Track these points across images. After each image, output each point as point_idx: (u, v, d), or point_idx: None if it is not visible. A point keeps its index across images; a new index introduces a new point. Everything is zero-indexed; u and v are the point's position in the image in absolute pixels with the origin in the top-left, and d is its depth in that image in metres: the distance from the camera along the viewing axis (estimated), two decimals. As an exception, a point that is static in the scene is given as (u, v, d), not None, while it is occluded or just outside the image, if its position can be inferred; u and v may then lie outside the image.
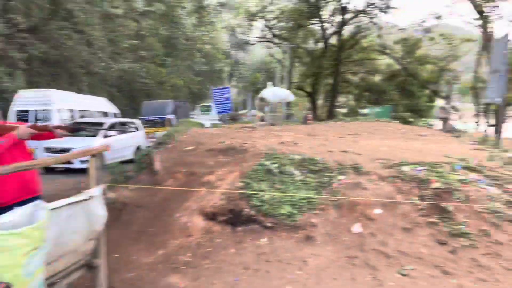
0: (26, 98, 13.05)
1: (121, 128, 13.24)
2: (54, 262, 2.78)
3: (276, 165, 5.52)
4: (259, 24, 32.15)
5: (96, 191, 3.11)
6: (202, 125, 14.83)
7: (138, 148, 13.49)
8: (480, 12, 19.39)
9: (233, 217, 4.83)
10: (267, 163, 5.53)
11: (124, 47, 27.00)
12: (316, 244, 4.57)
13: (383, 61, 30.06)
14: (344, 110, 34.39)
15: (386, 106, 24.88)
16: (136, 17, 26.69)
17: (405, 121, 22.55)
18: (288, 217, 4.83)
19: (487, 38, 16.04)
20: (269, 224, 4.83)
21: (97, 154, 3.17)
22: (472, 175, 5.64)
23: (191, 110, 31.21)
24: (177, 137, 7.59)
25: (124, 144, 12.13)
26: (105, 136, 11.66)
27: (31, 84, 19.13)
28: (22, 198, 3.28)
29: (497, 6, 19.77)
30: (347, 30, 28.61)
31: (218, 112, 21.57)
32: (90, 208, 3.03)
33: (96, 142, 10.86)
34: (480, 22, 19.64)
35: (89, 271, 3.18)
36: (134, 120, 14.88)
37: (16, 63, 16.99)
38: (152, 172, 5.96)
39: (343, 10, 26.59)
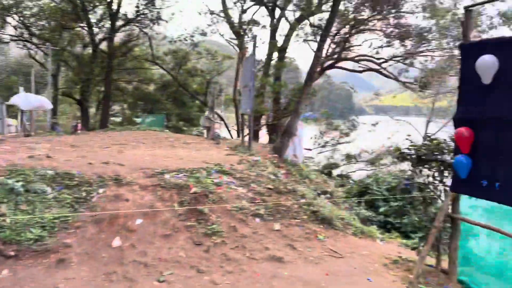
0: None
1: None
2: None
3: (21, 183, 4.79)
4: (13, 20, 27.74)
5: None
6: None
7: None
8: (236, 33, 22.19)
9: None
10: (9, 181, 4.74)
11: None
12: (70, 266, 4.17)
13: (157, 71, 30.65)
14: (119, 119, 33.30)
15: (160, 115, 25.40)
16: None
17: (179, 130, 23.60)
18: (36, 241, 4.26)
19: (242, 56, 18.47)
20: (11, 253, 4.14)
21: None
22: (225, 178, 6.31)
23: None
24: None
25: None
26: None
27: None
28: None
29: (251, 29, 23.08)
30: (118, 37, 27.86)
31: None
32: None
33: None
34: (237, 41, 22.48)
35: None
36: None
37: None
38: None
39: (113, 16, 25.80)
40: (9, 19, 28.08)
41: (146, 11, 26.59)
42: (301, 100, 10.84)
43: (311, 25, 18.92)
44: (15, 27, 28.94)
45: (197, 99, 28.65)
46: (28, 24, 27.16)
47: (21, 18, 26.74)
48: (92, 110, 31.66)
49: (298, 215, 5.83)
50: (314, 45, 18.11)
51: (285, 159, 9.75)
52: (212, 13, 23.17)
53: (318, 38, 15.66)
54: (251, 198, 5.91)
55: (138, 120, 25.57)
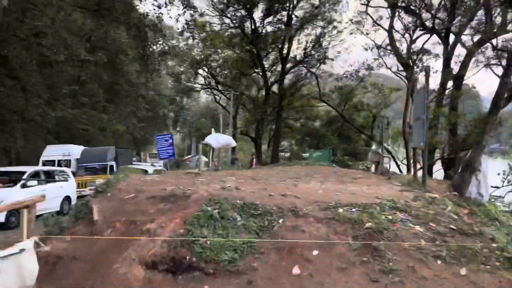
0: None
1: (46, 177, 12.67)
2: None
3: (217, 210, 5.61)
4: (203, 71, 32.94)
5: (28, 244, 3.03)
6: (145, 172, 14.59)
7: (67, 199, 12.98)
8: (405, 65, 21.42)
9: (174, 265, 4.80)
10: (209, 209, 5.61)
11: (63, 93, 26.29)
12: (257, 288, 4.65)
13: (322, 108, 31.74)
14: (287, 154, 35.41)
15: (326, 150, 26.01)
16: (77, 64, 26.30)
17: (345, 164, 23.63)
18: (229, 262, 4.89)
19: (412, 88, 17.67)
20: (210, 271, 4.85)
21: (30, 205, 3.12)
22: (400, 215, 6.09)
23: (133, 156, 30.42)
24: (116, 185, 7.46)
25: (49, 195, 11.31)
26: (24, 186, 11.09)
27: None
28: None
29: (421, 59, 22.01)
30: (287, 79, 30.12)
31: (161, 158, 21.37)
32: (21, 262, 2.94)
33: (14, 193, 10.26)
34: (405, 73, 21.66)
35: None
36: (64, 169, 14.31)
37: None
38: (91, 222, 5.79)
39: (283, 60, 28.12)
40: (200, 71, 33.30)
41: (313, 52, 28.07)
42: (485, 131, 9.72)
43: (494, 48, 16.94)
44: (204, 77, 34.16)
45: (363, 133, 28.32)
46: (215, 74, 31.69)
47: (209, 69, 31.47)
48: (264, 147, 34.41)
49: (489, 260, 5.18)
50: (499, 70, 16.12)
51: (467, 197, 8.79)
52: (379, 47, 22.96)
53: (504, 61, 13.93)
54: (430, 238, 5.54)
55: (305, 155, 26.65)
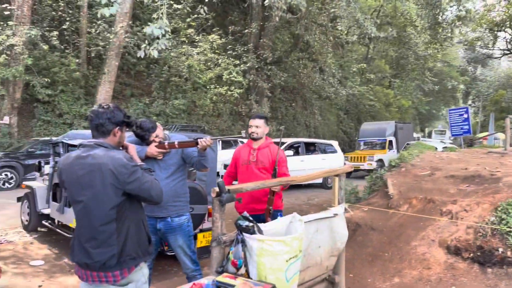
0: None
1: (311, 149, 13.70)
2: (302, 272, 3.01)
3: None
4: (505, 34, 27.71)
5: (339, 209, 3.23)
6: (435, 149, 13.70)
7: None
8: None
9: (482, 256, 4.18)
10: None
11: (353, 71, 27.89)
12: None
13: None
14: None
15: None
16: (366, 42, 27.24)
17: None
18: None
19: None
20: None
21: (341, 174, 3.30)
22: None
23: (416, 132, 29.14)
24: (410, 160, 7.21)
25: (313, 166, 12.00)
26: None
27: (272, 109, 21.98)
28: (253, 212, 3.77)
29: None
30: None
31: (453, 135, 19.42)
32: (334, 226, 3.16)
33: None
34: None
35: (330, 286, 3.29)
36: (331, 142, 14.86)
37: (263, 92, 19.88)
38: (386, 195, 5.81)
39: None
40: (501, 33, 28.13)
41: None
42: None
43: None
44: (507, 41, 28.70)
45: None
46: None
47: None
48: None
49: None
50: None
51: None
52: None
53: None
54: None
55: None
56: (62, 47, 14.81)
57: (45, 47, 13.14)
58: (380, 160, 16.29)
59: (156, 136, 3.08)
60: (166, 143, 3.04)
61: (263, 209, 3.56)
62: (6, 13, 12.19)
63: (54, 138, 6.59)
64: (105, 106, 2.15)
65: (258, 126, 3.75)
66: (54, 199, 6.04)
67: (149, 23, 6.62)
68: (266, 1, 11.72)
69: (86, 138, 3.02)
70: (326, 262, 3.17)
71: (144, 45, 6.74)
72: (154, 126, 3.09)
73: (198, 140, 2.91)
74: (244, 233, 2.32)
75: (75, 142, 4.90)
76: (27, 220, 6.68)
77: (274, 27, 20.69)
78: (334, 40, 21.54)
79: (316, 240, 3.04)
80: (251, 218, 2.39)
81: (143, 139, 3.10)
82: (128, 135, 3.37)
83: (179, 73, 17.17)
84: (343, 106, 28.27)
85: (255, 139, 3.79)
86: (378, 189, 6.27)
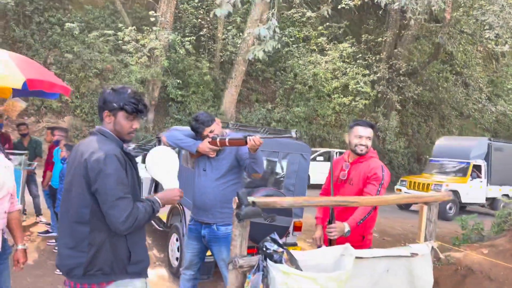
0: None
1: None
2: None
3: None
4: None
5: (423, 248, 2.50)
6: None
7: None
8: None
9: None
10: None
11: (508, 89, 24.03)
12: None
13: None
14: None
15: None
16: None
17: None
18: None
19: None
20: None
21: (431, 203, 2.55)
22: None
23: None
24: None
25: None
26: None
27: (403, 124, 20.20)
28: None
29: None
30: None
31: None
32: (414, 268, 2.45)
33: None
34: None
35: None
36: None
37: (392, 105, 18.41)
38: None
39: None
40: None
41: None
42: None
43: None
44: None
45: None
46: None
47: None
48: None
49: None
50: None
51: None
52: None
53: None
54: None
55: None
56: (198, 52, 15.99)
57: (182, 51, 14.30)
58: (455, 192, 11.41)
59: (211, 132, 2.81)
60: (218, 140, 2.74)
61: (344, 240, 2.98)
62: (152, 19, 13.64)
63: (161, 133, 6.96)
64: (114, 87, 1.94)
65: (370, 138, 3.01)
66: (155, 190, 6.33)
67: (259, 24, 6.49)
68: (404, 6, 10.72)
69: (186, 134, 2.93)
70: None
71: (253, 46, 6.65)
72: (211, 120, 2.83)
73: (248, 138, 2.53)
74: (268, 260, 1.87)
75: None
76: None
77: (412, 36, 19.04)
78: (483, 51, 18.82)
79: (386, 284, 2.39)
80: (281, 242, 1.92)
81: (197, 132, 2.87)
82: (185, 128, 3.15)
83: (304, 80, 17.00)
84: (490, 127, 24.54)
85: (363, 155, 3.02)
86: (509, 228, 4.98)
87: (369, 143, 3.00)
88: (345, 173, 3.06)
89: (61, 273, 1.89)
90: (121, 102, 1.87)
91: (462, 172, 12.22)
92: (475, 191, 11.85)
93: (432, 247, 2.55)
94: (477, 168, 12.25)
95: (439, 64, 21.03)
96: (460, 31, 17.58)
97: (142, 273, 1.93)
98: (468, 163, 12.22)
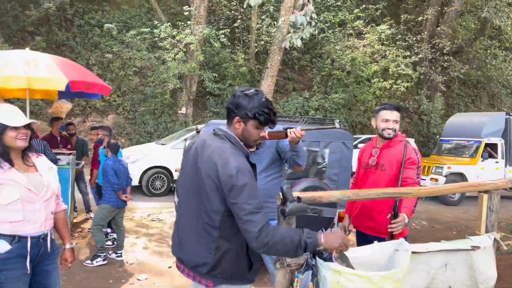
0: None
1: None
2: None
3: None
4: None
5: (485, 240, 2.31)
6: None
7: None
8: None
9: None
10: None
11: None
12: None
13: None
14: None
15: None
16: None
17: None
18: None
19: None
20: None
21: (492, 191, 2.35)
22: None
23: None
24: None
25: None
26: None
27: (448, 106, 19.28)
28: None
29: None
30: None
31: None
32: (475, 262, 2.27)
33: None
34: None
35: None
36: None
37: (436, 86, 17.56)
38: None
39: None
40: None
41: None
42: None
43: None
44: None
45: None
46: None
47: None
48: None
49: None
50: None
51: None
52: None
53: None
54: None
55: None
56: (233, 43, 15.95)
57: (217, 44, 14.31)
58: (460, 175, 10.26)
59: None
60: None
61: (377, 230, 2.86)
62: (186, 13, 13.71)
63: (199, 126, 6.97)
64: (247, 92, 1.84)
65: (397, 121, 2.92)
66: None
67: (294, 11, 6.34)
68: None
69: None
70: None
71: (289, 34, 6.50)
72: None
73: (288, 130, 2.43)
74: (317, 258, 1.78)
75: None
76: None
77: (456, 12, 17.98)
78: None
79: (444, 279, 2.23)
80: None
81: None
82: (222, 122, 3.08)
83: (342, 66, 16.55)
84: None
85: (390, 139, 2.94)
86: None
87: (397, 126, 2.92)
88: (374, 158, 2.99)
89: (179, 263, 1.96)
90: (254, 111, 1.81)
91: (472, 152, 10.87)
92: (488, 172, 10.37)
93: (495, 239, 2.36)
94: (492, 147, 10.83)
95: (486, 40, 19.81)
96: (508, 3, 16.44)
97: (254, 280, 1.94)
98: (479, 141, 10.84)
